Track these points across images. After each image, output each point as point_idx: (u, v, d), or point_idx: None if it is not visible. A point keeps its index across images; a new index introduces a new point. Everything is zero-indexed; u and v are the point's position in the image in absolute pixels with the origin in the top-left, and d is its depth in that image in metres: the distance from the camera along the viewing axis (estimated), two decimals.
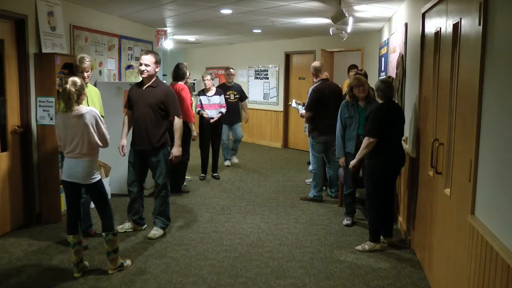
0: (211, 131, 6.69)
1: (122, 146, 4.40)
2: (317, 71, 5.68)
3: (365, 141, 4.02)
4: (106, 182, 5.35)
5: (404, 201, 4.55)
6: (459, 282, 2.54)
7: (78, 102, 3.35)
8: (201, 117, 6.69)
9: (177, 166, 5.40)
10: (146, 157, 4.34)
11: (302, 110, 6.14)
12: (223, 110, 6.81)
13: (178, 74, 5.81)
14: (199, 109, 6.66)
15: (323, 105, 5.47)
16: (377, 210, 4.09)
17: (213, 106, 6.71)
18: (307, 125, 7.27)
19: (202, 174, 6.90)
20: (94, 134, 3.39)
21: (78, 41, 5.58)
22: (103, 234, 3.53)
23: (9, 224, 4.48)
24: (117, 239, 3.59)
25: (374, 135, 3.95)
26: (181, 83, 5.75)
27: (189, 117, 5.73)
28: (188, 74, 6.01)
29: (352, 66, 7.64)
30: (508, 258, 1.81)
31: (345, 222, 4.83)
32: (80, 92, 3.34)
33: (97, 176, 3.49)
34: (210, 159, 6.97)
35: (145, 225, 4.59)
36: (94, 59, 5.97)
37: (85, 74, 4.14)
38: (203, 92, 6.75)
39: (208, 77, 6.71)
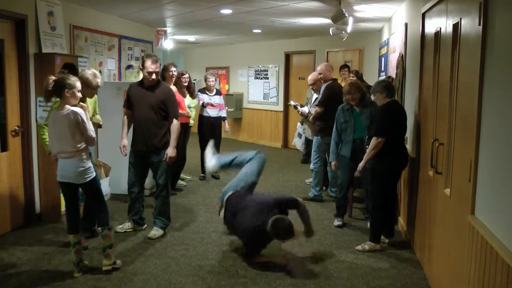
0: (210, 131, 6.69)
1: (124, 146, 4.40)
2: (329, 69, 5.67)
3: (373, 141, 3.95)
4: (106, 182, 5.37)
5: (404, 201, 4.55)
6: (459, 282, 2.54)
7: (62, 97, 3.31)
8: (201, 118, 6.69)
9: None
10: (147, 157, 4.34)
11: (301, 108, 6.13)
12: (224, 113, 6.84)
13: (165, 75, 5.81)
14: (202, 102, 6.62)
15: (335, 104, 5.40)
16: (381, 211, 4.07)
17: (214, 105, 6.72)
18: (297, 138, 7.26)
19: (202, 174, 6.90)
20: (78, 133, 3.33)
21: (78, 41, 5.58)
22: (99, 229, 3.57)
23: (9, 224, 4.48)
24: (111, 234, 3.64)
25: (382, 134, 3.91)
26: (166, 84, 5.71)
27: None
28: (175, 73, 5.91)
29: (344, 66, 7.52)
30: (508, 258, 1.81)
31: (336, 223, 4.79)
32: (61, 87, 3.27)
33: (91, 174, 3.46)
34: None
35: (145, 225, 4.59)
36: (94, 59, 5.97)
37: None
38: (205, 91, 6.77)
39: (213, 78, 6.75)
